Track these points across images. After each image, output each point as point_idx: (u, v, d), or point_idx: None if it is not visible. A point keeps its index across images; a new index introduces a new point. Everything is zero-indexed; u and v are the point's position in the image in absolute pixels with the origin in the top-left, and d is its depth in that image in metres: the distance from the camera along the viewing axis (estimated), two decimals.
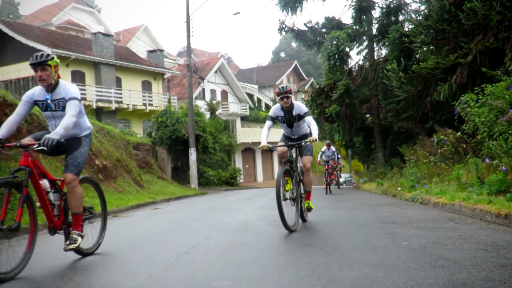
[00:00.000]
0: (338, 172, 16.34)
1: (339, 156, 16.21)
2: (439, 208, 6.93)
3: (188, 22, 20.70)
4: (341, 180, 27.12)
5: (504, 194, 5.58)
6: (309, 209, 5.87)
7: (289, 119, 5.73)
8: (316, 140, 5.30)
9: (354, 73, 17.80)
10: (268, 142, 5.50)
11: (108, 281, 3.18)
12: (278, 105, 5.75)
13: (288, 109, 5.66)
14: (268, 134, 5.66)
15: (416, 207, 7.43)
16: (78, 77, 23.99)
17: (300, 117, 5.66)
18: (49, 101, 3.87)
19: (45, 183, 3.80)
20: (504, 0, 9.22)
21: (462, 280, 2.64)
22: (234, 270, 3.29)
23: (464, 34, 10.87)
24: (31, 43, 22.45)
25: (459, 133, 9.32)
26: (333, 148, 14.63)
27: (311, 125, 5.51)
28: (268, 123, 5.75)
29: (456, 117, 9.58)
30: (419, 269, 2.96)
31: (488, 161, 6.81)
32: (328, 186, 13.34)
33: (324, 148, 14.48)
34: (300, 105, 5.69)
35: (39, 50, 22.10)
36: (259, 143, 5.84)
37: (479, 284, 2.54)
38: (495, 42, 9.79)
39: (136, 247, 4.68)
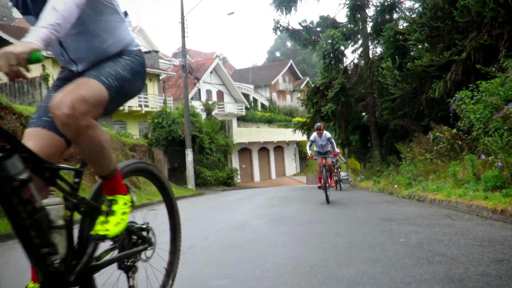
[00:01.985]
0: (338, 169, 13.46)
1: (337, 149, 11.34)
2: (435, 204, 6.96)
3: (182, 23, 20.69)
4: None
5: (500, 190, 5.60)
6: (100, 238, 1.80)
7: None
8: None
9: (350, 72, 17.85)
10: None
11: (106, 282, 3.17)
12: None
13: None
14: None
15: (412, 204, 7.45)
16: None
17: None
18: None
19: None
20: None
21: (459, 276, 2.65)
22: (232, 269, 3.29)
23: (458, 31, 10.91)
24: None
25: (454, 130, 9.35)
26: (326, 133, 9.79)
27: None
28: None
29: (451, 114, 9.61)
30: (417, 265, 2.97)
31: (483, 157, 6.84)
32: (326, 190, 8.45)
33: (313, 135, 9.74)
34: None
35: None
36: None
37: (476, 279, 2.55)
38: (489, 39, 9.82)
39: None
